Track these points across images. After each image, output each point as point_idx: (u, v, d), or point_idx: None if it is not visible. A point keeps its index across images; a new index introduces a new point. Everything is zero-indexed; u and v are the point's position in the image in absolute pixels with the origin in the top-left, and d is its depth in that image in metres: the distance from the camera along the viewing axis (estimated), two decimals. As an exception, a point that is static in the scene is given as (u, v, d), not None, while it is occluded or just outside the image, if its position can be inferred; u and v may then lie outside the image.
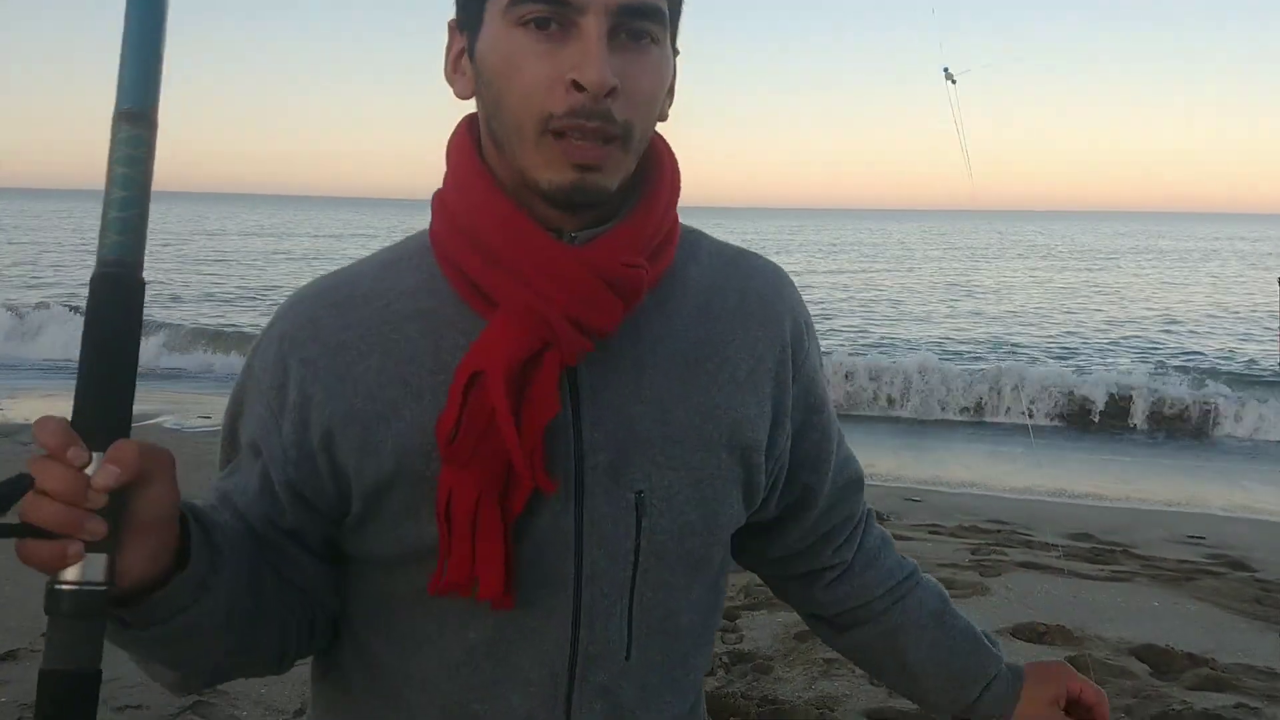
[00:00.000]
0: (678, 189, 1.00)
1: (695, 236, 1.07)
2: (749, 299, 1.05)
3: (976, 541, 6.51)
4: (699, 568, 1.04)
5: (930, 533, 6.74)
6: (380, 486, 0.95)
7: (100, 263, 0.81)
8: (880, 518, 6.97)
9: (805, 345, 1.09)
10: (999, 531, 6.90)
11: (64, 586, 0.77)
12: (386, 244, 1.05)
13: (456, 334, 0.95)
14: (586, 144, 0.88)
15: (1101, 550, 6.45)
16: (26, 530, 0.76)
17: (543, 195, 0.91)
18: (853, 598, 1.21)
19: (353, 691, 1.05)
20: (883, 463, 9.54)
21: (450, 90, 0.98)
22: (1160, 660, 4.43)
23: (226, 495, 0.97)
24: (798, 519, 1.16)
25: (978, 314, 22.23)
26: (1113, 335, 19.21)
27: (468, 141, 0.98)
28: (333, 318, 0.98)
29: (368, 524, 0.98)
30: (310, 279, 1.04)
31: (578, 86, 0.86)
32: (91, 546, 0.77)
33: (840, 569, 1.22)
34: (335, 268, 1.03)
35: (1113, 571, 5.85)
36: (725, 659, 4.26)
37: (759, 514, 1.11)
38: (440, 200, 0.98)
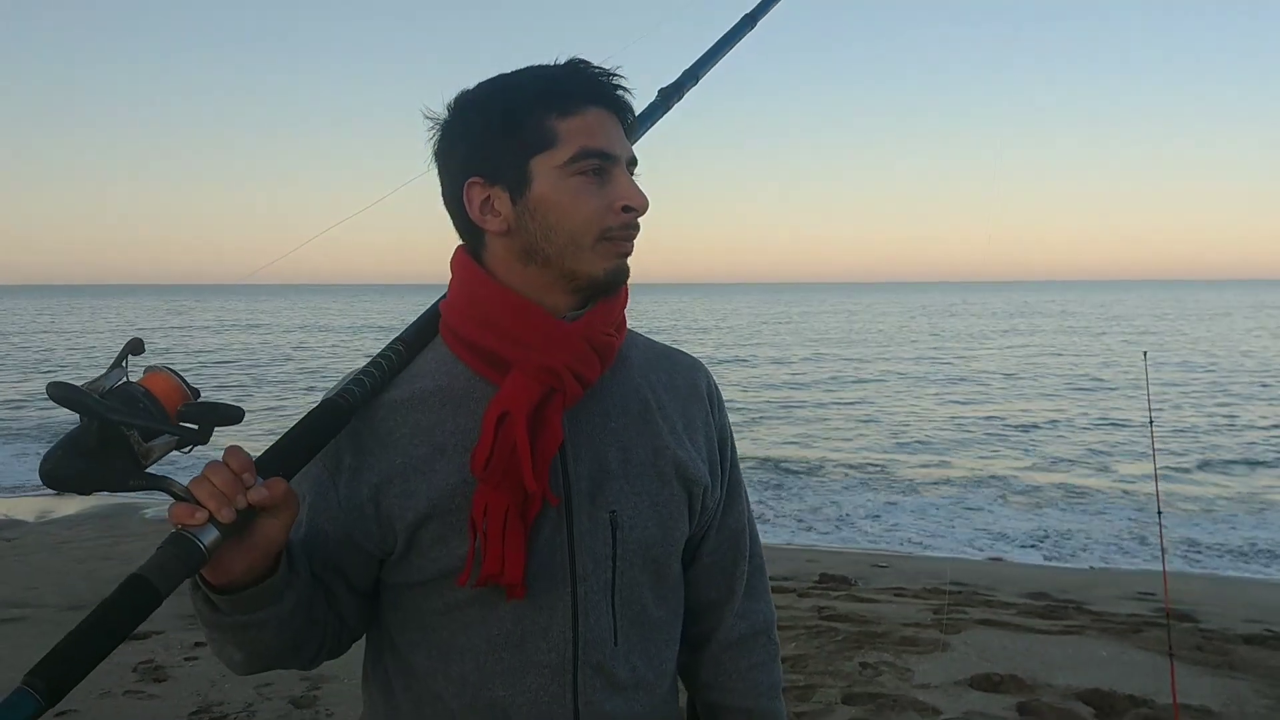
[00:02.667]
0: (627, 292, 1.33)
1: (632, 333, 1.40)
2: (677, 377, 1.39)
3: (939, 602, 6.84)
4: (660, 573, 1.33)
5: (895, 595, 7.07)
6: (418, 523, 1.23)
7: (338, 394, 1.22)
8: (848, 582, 7.34)
9: (717, 413, 1.42)
10: (960, 593, 7.25)
11: (184, 533, 1.05)
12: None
13: (470, 401, 1.25)
14: (627, 242, 1.25)
15: (1056, 607, 6.81)
16: (185, 495, 1.06)
17: (595, 282, 1.24)
18: (698, 676, 1.46)
19: (396, 697, 1.32)
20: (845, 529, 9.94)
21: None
22: (1104, 703, 4.79)
23: (316, 529, 1.27)
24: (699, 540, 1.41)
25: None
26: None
27: (473, 262, 1.28)
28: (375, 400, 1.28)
29: (409, 555, 1.25)
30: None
31: (627, 209, 1.23)
32: (215, 524, 1.05)
33: (700, 639, 1.45)
34: None
35: (1065, 626, 6.21)
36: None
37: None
38: (450, 305, 1.29)
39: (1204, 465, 13.33)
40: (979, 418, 18.25)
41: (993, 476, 12.75)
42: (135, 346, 1.11)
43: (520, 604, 1.24)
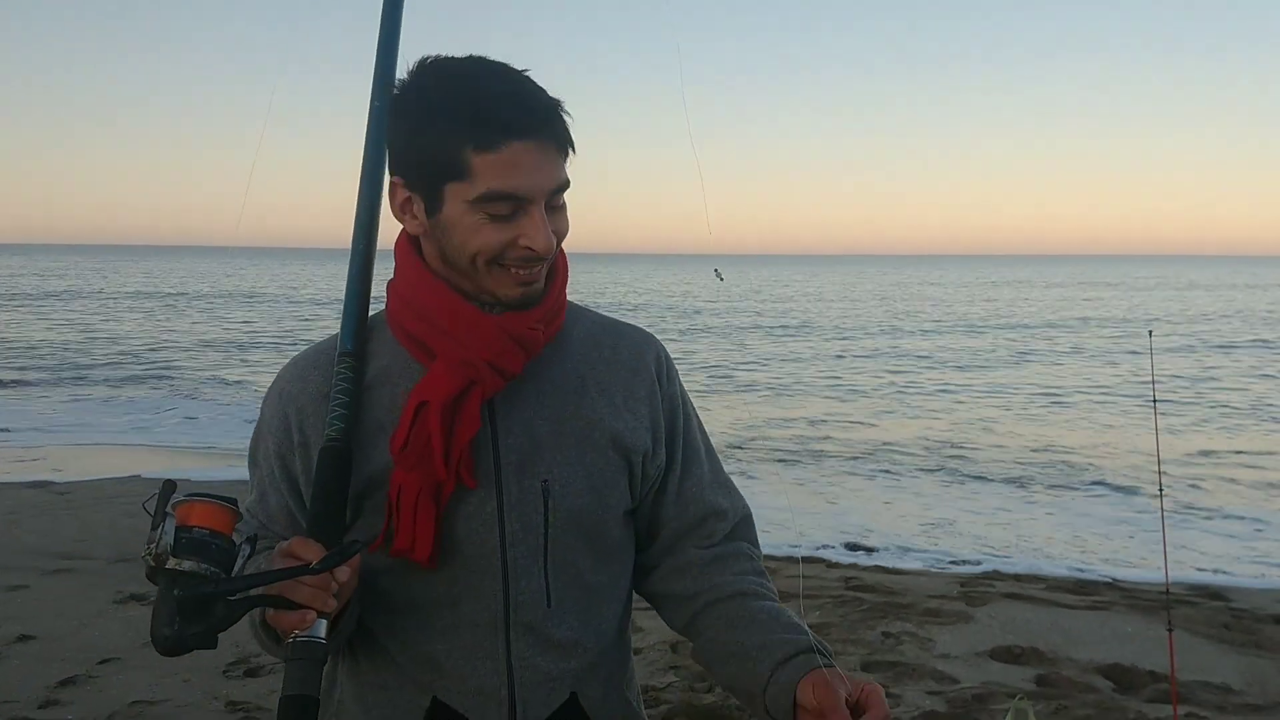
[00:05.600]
0: (565, 279, 1.37)
1: (581, 310, 1.46)
2: (621, 351, 1.43)
3: (968, 575, 6.88)
4: (595, 538, 1.38)
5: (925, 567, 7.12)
6: (360, 494, 1.30)
7: (327, 439, 1.28)
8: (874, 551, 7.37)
9: (666, 383, 1.45)
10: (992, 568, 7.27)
11: (301, 638, 1.16)
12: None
13: (406, 383, 1.31)
14: (526, 271, 1.27)
15: (1088, 583, 6.80)
16: (283, 603, 1.15)
17: (502, 302, 1.29)
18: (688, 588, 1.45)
19: (356, 650, 1.41)
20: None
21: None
22: (1124, 678, 4.80)
23: (265, 498, 1.38)
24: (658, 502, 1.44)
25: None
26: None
27: (411, 250, 1.33)
28: (318, 375, 1.36)
29: (357, 521, 1.32)
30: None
31: (529, 249, 1.24)
32: (322, 615, 1.16)
33: (687, 564, 1.45)
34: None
35: (1094, 601, 6.20)
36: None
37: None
38: (392, 288, 1.35)
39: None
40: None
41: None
42: (170, 489, 1.15)
43: (454, 567, 1.32)
